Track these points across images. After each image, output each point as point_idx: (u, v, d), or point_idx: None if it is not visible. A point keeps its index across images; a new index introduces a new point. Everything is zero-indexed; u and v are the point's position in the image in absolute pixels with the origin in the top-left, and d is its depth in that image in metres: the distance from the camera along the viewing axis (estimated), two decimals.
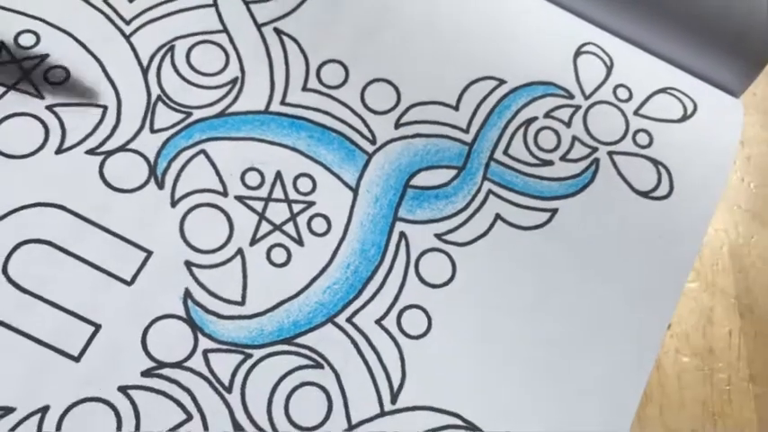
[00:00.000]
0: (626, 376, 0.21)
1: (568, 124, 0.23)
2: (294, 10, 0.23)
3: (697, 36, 0.23)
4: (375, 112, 0.22)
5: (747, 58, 0.23)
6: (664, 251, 0.22)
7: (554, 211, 0.22)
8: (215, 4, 0.23)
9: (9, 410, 0.18)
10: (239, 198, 0.21)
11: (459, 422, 0.20)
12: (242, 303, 0.20)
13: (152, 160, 0.21)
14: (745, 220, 0.25)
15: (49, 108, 0.21)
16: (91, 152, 0.20)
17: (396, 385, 0.20)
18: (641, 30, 0.24)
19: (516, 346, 0.21)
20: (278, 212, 0.21)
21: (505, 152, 0.22)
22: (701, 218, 0.22)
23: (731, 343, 0.23)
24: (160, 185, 0.20)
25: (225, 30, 0.22)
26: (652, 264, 0.21)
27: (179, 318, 0.19)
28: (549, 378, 0.20)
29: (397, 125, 0.22)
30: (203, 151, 0.21)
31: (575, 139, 0.23)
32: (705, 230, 0.22)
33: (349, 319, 0.20)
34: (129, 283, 0.19)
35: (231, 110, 0.22)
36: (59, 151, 0.20)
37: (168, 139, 0.21)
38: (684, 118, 0.23)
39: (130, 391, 0.18)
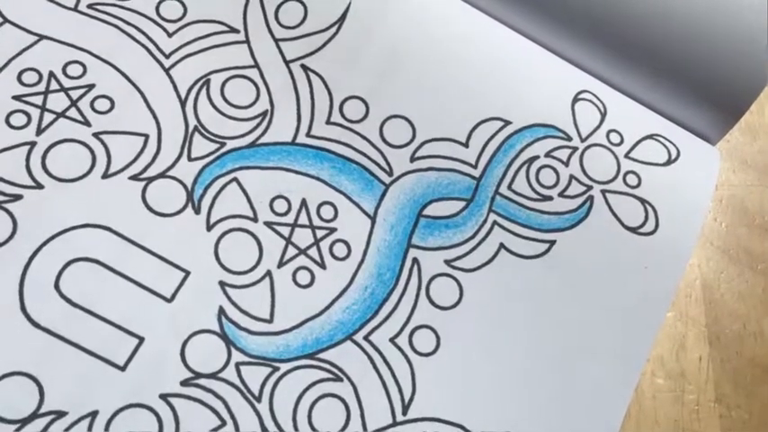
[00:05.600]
0: (611, 396, 0.22)
1: (566, 164, 0.24)
2: (320, 48, 0.24)
3: (681, 89, 0.24)
4: (392, 146, 0.23)
5: (724, 110, 0.24)
6: (649, 282, 0.23)
7: (552, 243, 0.23)
8: (247, 41, 0.23)
9: (62, 414, 0.19)
10: (268, 224, 0.22)
11: None
12: (270, 321, 0.21)
13: (189, 187, 0.22)
14: (716, 256, 0.26)
15: (96, 135, 0.22)
16: (134, 178, 0.21)
17: (407, 398, 0.21)
18: (632, 81, 0.25)
19: (516, 365, 0.22)
20: (303, 238, 0.22)
21: (509, 187, 0.23)
22: (682, 253, 0.23)
23: (701, 367, 0.24)
24: (197, 210, 0.21)
25: (256, 65, 0.23)
26: (638, 293, 0.22)
27: (214, 333, 0.20)
28: (544, 394, 0.21)
29: (413, 159, 0.23)
30: (236, 179, 0.22)
31: (572, 177, 0.24)
32: (686, 264, 0.23)
33: (366, 337, 0.21)
34: (169, 301, 0.20)
35: (261, 141, 0.23)
36: (105, 176, 0.21)
37: (204, 168, 0.22)
38: (669, 162, 0.24)
39: (171, 399, 0.19)
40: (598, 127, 0.24)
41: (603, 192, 0.24)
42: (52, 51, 0.22)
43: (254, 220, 0.22)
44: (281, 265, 0.22)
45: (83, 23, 0.23)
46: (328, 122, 0.23)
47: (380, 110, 0.24)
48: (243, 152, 0.22)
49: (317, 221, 0.22)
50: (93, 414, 0.19)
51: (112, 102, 0.22)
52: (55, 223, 0.20)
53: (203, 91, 0.23)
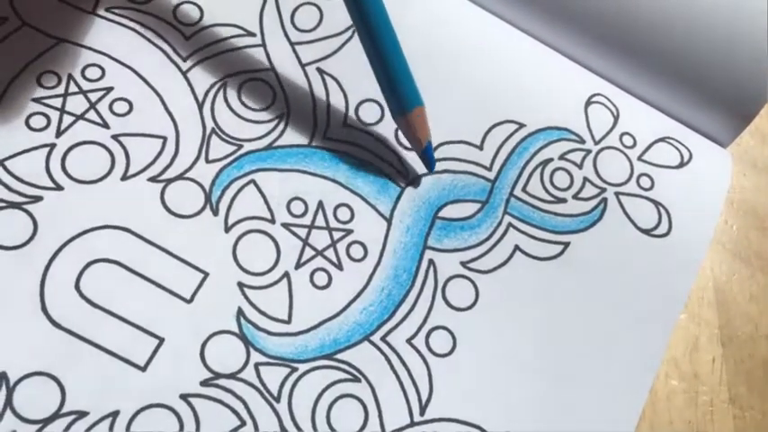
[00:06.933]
0: (626, 397, 0.22)
1: (580, 166, 0.24)
2: (336, 52, 0.24)
3: (692, 93, 0.24)
4: (408, 149, 0.23)
5: (735, 113, 0.24)
6: (662, 284, 0.23)
7: (566, 245, 0.23)
8: (263, 45, 0.24)
9: (83, 414, 0.19)
10: (285, 225, 0.22)
11: None
12: (288, 322, 0.21)
13: (207, 188, 0.22)
14: (728, 259, 0.25)
15: (115, 137, 0.22)
16: (153, 179, 0.21)
17: (424, 398, 0.21)
18: (644, 85, 0.25)
19: (531, 366, 0.22)
20: (320, 239, 0.22)
21: (524, 189, 0.24)
22: (695, 255, 0.23)
23: (714, 369, 0.24)
24: (215, 212, 0.22)
25: (272, 68, 0.23)
26: (652, 295, 0.23)
27: (233, 333, 0.20)
28: (559, 395, 0.21)
29: None
30: (253, 181, 0.22)
31: (585, 179, 0.24)
32: (699, 267, 0.23)
33: (383, 338, 0.21)
34: (188, 301, 0.20)
35: (278, 143, 0.23)
36: (124, 178, 0.21)
37: (222, 169, 0.22)
38: (681, 165, 0.24)
39: (191, 399, 0.19)
40: (611, 130, 0.24)
41: (617, 194, 0.24)
42: (71, 54, 0.22)
43: (272, 221, 0.22)
44: (298, 266, 0.22)
45: (101, 27, 0.23)
46: (344, 125, 0.23)
47: None
48: (260, 154, 0.23)
49: (333, 223, 0.22)
50: (115, 414, 0.19)
51: (131, 104, 0.22)
52: (75, 224, 0.20)
53: (220, 94, 0.23)
